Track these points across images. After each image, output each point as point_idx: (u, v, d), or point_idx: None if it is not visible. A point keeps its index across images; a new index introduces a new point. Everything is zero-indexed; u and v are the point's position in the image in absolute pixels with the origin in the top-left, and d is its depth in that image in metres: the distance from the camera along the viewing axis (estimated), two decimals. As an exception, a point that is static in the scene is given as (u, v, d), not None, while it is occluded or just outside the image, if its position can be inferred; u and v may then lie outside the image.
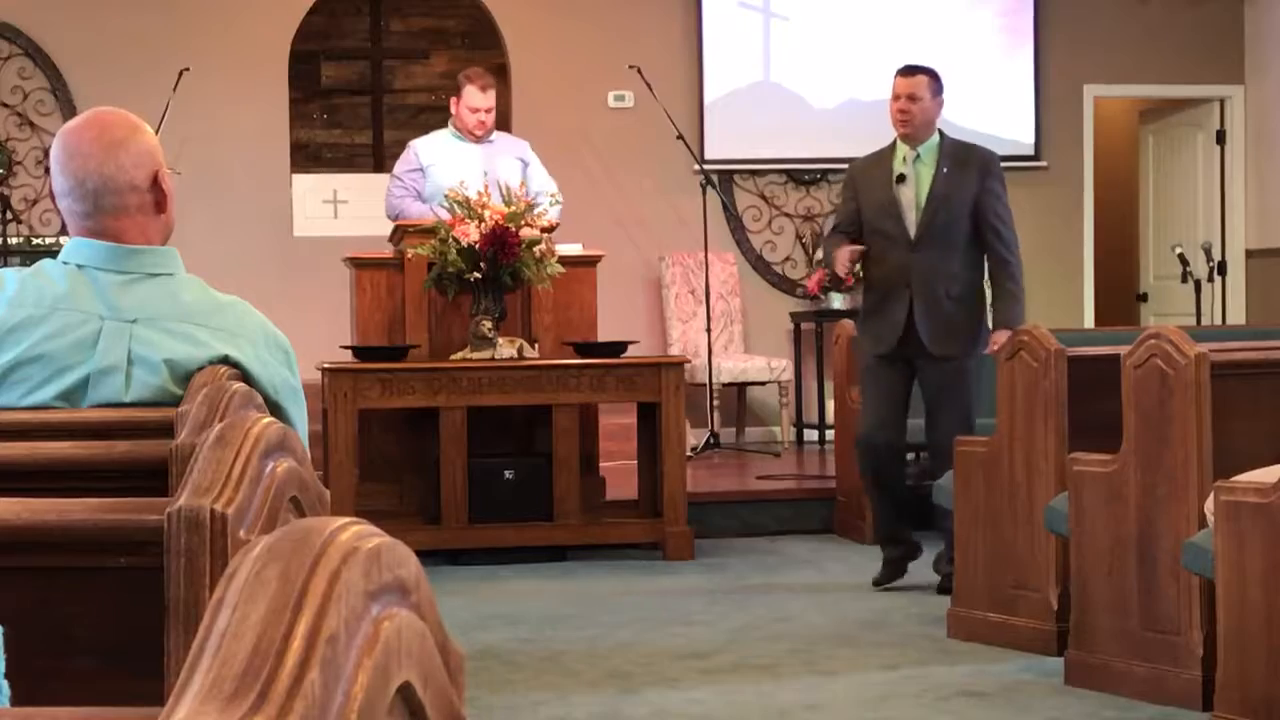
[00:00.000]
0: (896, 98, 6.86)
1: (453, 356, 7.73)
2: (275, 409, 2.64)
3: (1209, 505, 4.63)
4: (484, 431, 7.74)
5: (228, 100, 10.78)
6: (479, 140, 8.16)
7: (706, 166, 10.88)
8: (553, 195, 7.97)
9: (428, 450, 7.75)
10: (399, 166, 8.30)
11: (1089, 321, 11.71)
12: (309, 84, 12.78)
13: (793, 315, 11.33)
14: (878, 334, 6.83)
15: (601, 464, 8.18)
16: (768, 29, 11.45)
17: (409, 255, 7.78)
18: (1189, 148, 12.21)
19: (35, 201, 10.62)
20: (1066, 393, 5.69)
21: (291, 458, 1.75)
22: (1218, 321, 11.31)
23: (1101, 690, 5.14)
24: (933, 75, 6.91)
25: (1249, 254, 11.94)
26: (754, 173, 11.50)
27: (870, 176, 6.91)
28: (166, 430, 2.37)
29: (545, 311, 8.00)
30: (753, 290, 11.45)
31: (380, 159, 12.86)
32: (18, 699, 1.35)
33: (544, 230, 7.68)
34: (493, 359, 7.63)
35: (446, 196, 7.66)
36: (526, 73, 11.24)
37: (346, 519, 0.94)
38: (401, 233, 7.99)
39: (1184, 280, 10.34)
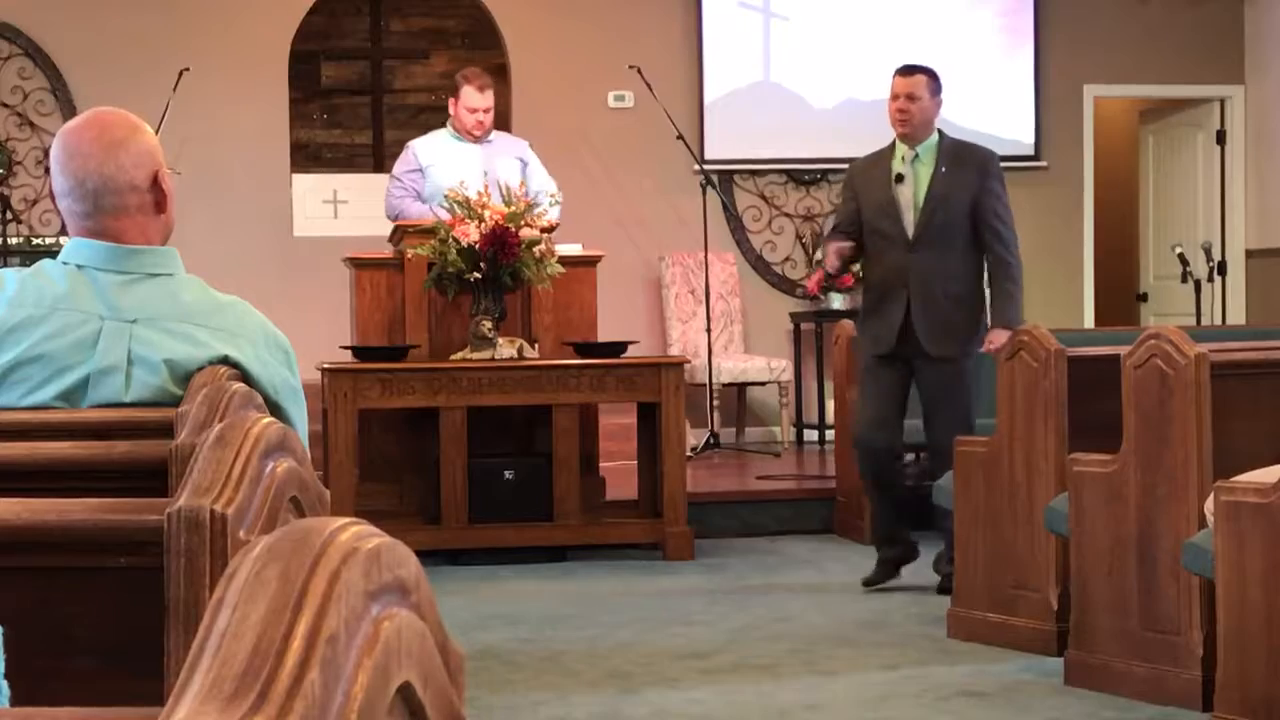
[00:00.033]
0: (895, 97, 6.85)
1: (453, 356, 7.73)
2: (275, 409, 2.64)
3: (1209, 505, 4.63)
4: (484, 431, 7.74)
5: (228, 100, 10.78)
6: (478, 140, 8.16)
7: (706, 166, 10.88)
8: (552, 195, 7.96)
9: (428, 450, 7.75)
10: (398, 167, 8.29)
11: (1089, 321, 11.71)
12: (309, 84, 12.78)
13: (793, 315, 11.32)
14: (876, 334, 6.82)
15: (601, 464, 8.17)
16: (768, 29, 11.45)
17: (409, 255, 7.78)
18: (1189, 148, 12.21)
19: (35, 201, 10.62)
20: (1066, 393, 5.69)
21: (291, 458, 1.75)
22: (1218, 321, 11.30)
23: (1101, 690, 5.14)
24: (931, 75, 6.90)
25: (1249, 254, 11.93)
26: (754, 173, 11.50)
27: (869, 176, 6.91)
28: (166, 430, 2.37)
29: (545, 311, 8.00)
30: (753, 290, 11.44)
31: (380, 159, 12.85)
32: (18, 699, 1.35)
33: (544, 230, 7.68)
34: (493, 359, 7.63)
35: (446, 196, 7.65)
36: (526, 73, 11.24)
37: (346, 519, 0.94)
38: (401, 233, 7.99)
39: (1184, 280, 10.34)
